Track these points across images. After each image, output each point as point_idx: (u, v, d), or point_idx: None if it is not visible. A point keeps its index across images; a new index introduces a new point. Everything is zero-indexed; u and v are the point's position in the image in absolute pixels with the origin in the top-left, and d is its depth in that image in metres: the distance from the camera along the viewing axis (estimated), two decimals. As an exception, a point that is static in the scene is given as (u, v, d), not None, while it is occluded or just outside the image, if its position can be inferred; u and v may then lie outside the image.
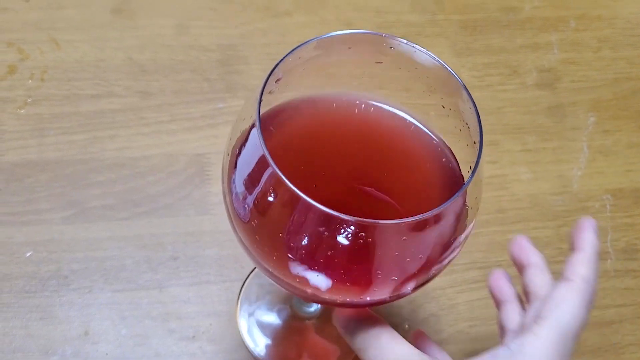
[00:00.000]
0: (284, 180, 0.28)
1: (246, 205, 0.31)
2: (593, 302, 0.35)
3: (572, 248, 0.36)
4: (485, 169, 0.38)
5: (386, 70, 0.35)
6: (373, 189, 0.36)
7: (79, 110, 0.55)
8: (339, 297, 0.32)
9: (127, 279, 0.48)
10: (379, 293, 0.31)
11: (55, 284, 0.48)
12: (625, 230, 0.55)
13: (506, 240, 0.42)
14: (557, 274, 0.36)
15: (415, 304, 0.50)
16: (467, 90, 0.32)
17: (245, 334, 0.48)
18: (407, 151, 0.37)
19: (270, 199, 0.30)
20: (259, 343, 0.48)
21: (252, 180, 0.31)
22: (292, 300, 0.48)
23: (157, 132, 0.54)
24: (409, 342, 0.34)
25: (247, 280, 0.49)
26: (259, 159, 0.29)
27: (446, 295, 0.50)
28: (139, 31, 0.60)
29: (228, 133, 0.34)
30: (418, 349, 0.33)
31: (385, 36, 0.34)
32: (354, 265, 0.31)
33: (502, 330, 0.39)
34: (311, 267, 0.30)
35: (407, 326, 0.49)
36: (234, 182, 0.32)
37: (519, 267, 0.39)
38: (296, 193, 0.28)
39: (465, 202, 0.32)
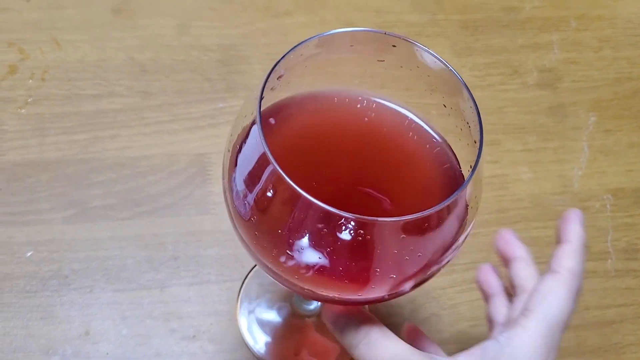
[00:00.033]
0: (284, 178, 0.28)
1: (246, 202, 0.31)
2: (580, 293, 0.35)
3: (558, 240, 0.36)
4: (486, 168, 0.38)
5: (388, 69, 0.35)
6: (373, 187, 0.36)
7: (80, 110, 0.55)
8: (337, 294, 0.32)
9: (128, 278, 0.48)
10: (377, 290, 0.31)
11: (56, 284, 0.48)
12: (626, 230, 0.55)
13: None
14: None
15: (416, 303, 0.50)
16: (469, 90, 0.32)
17: (245, 332, 0.48)
18: (408, 150, 0.37)
19: (270, 195, 0.30)
20: (259, 341, 0.48)
21: (252, 177, 0.31)
22: (292, 298, 0.48)
23: (158, 132, 0.55)
24: (402, 337, 0.34)
25: (247, 278, 0.49)
26: (259, 156, 0.29)
27: (447, 295, 0.50)
28: (139, 31, 0.60)
29: (229, 132, 0.34)
30: (411, 344, 0.33)
31: (387, 34, 0.34)
32: (353, 263, 0.31)
33: (490, 323, 0.39)
34: (310, 264, 0.30)
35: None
36: (234, 179, 0.32)
37: (505, 261, 0.39)
38: (296, 190, 0.28)
39: (465, 201, 0.32)
